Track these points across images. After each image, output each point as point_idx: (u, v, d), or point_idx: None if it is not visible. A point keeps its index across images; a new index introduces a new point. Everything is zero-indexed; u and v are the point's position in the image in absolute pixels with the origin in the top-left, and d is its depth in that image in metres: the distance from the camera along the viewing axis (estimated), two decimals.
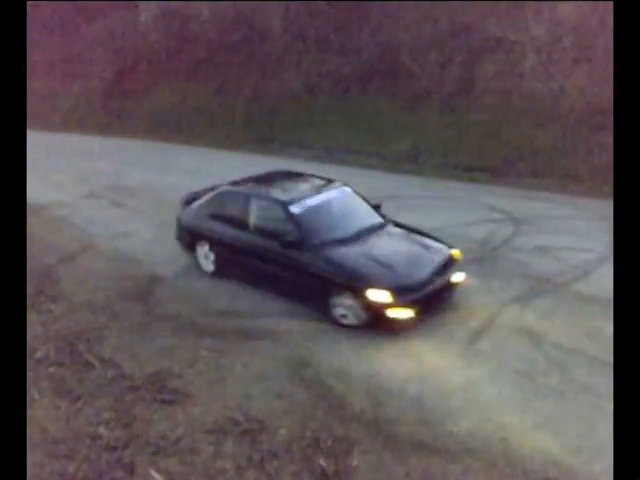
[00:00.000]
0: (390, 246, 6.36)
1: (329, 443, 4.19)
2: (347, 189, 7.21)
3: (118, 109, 22.88)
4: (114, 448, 4.23)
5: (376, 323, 5.64)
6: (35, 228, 9.59)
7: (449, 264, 6.23)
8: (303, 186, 7.29)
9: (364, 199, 7.16)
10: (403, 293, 5.60)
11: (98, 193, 11.86)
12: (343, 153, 15.09)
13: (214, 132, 17.74)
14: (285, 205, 6.45)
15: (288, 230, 6.23)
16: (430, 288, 5.81)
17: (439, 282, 5.95)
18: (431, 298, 5.85)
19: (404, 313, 5.59)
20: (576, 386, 4.78)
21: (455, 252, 6.43)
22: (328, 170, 13.37)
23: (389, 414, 4.48)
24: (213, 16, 21.40)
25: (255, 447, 4.23)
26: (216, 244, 7.06)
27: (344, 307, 5.75)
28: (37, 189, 12.62)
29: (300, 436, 4.29)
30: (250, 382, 4.97)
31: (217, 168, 13.72)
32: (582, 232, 8.35)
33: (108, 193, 11.82)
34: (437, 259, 6.17)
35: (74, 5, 27.01)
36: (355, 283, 5.69)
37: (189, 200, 7.86)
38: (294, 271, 6.15)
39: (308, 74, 18.52)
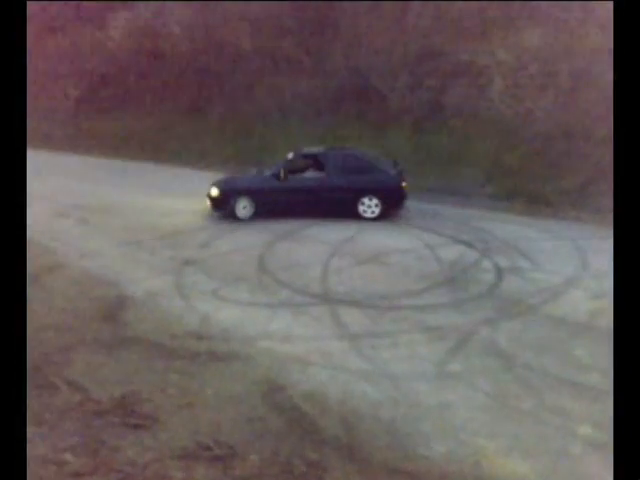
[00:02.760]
0: None
1: (302, 469, 4.11)
2: None
3: (86, 127, 22.62)
4: (81, 475, 4.08)
5: None
6: None
7: None
8: None
9: None
10: None
11: (64, 211, 11.64)
12: None
13: (186, 152, 17.64)
14: None
15: None
16: None
17: None
18: None
19: None
20: (548, 409, 4.82)
21: None
22: None
23: (362, 439, 4.43)
24: (184, 35, 21.42)
25: (226, 473, 4.13)
26: None
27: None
28: None
29: (272, 462, 4.20)
30: (220, 406, 4.87)
31: (189, 186, 13.66)
32: (550, 254, 8.54)
33: (74, 211, 11.62)
34: None
35: (38, 20, 26.75)
36: None
37: None
38: None
39: (281, 95, 18.63)
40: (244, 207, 10.97)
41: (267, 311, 6.77)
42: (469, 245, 9.05)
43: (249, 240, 9.56)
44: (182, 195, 12.89)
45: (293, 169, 11.28)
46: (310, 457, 4.24)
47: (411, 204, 12.11)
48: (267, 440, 4.45)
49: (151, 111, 21.25)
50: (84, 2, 25.44)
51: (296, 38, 19.17)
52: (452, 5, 16.44)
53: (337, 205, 11.03)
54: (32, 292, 7.36)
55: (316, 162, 11.43)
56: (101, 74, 23.75)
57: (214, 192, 11.01)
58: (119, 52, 22.93)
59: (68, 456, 4.29)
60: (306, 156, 11.60)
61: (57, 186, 14.60)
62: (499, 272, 7.84)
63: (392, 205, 11.04)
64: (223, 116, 19.25)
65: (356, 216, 10.92)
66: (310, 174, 11.38)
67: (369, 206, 10.92)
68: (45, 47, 26.79)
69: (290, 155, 11.56)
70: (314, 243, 9.37)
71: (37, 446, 4.42)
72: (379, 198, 10.88)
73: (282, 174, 10.90)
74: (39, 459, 4.27)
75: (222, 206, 10.99)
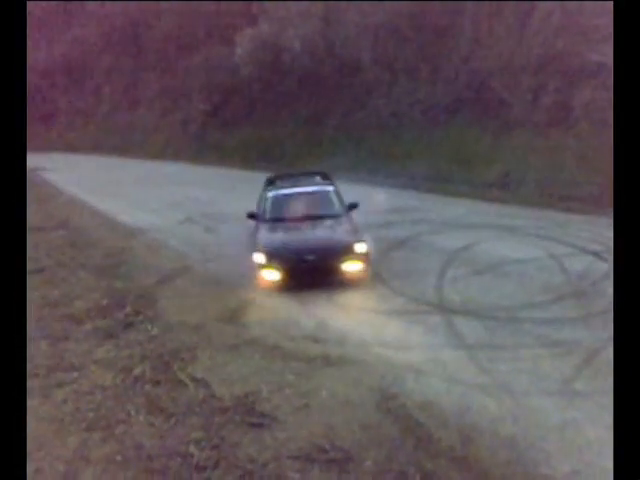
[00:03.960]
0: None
1: (417, 478, 4.07)
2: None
3: (213, 139, 23.93)
4: (204, 468, 4.31)
5: None
6: (135, 250, 10.17)
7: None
8: None
9: None
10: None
11: (194, 219, 12.41)
12: (430, 181, 14.96)
13: (303, 161, 18.12)
14: None
15: None
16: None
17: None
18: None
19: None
20: None
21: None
22: (415, 197, 13.35)
23: (480, 452, 4.30)
24: (305, 48, 22.03)
25: (342, 477, 4.17)
26: None
27: None
28: (137, 214, 13.40)
29: (387, 469, 4.19)
30: (335, 410, 4.94)
31: None
32: None
33: (202, 219, 12.34)
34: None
35: (172, 40, 28.75)
36: None
37: None
38: None
39: (397, 103, 18.60)
40: None
41: (382, 318, 6.78)
42: (598, 256, 8.48)
43: None
44: None
45: None
46: (425, 467, 4.18)
47: (532, 212, 11.58)
48: (382, 447, 4.44)
49: (271, 123, 22.07)
50: (213, 22, 27.04)
51: (414, 47, 19.07)
52: (581, 4, 15.55)
53: None
54: (163, 292, 7.92)
55: None
56: (227, 89, 25.04)
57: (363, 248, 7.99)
58: (244, 67, 24.03)
59: (192, 449, 4.55)
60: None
61: (186, 195, 15.58)
62: None
63: None
64: (338, 126, 19.56)
65: None
66: None
67: None
68: (177, 65, 28.76)
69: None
70: (429, 251, 9.24)
71: (166, 438, 4.74)
72: None
73: None
74: (167, 450, 4.57)
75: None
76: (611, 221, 10.24)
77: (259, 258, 7.86)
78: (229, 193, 15.27)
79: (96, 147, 31.24)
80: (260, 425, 4.78)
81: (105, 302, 7.65)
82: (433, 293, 7.48)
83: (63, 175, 23.00)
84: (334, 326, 6.58)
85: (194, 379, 5.58)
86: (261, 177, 17.27)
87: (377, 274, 8.27)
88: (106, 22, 34.97)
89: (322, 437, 4.59)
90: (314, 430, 4.69)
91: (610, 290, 7.19)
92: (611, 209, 10.54)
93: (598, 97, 14.60)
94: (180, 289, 8.05)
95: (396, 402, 4.99)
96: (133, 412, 5.12)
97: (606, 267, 7.97)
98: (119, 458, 4.48)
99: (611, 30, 12.86)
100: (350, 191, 14.43)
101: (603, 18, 15.00)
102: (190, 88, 27.04)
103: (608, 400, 4.87)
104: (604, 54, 14.74)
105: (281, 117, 22.08)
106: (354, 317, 6.86)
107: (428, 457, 4.28)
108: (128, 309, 7.34)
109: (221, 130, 24.14)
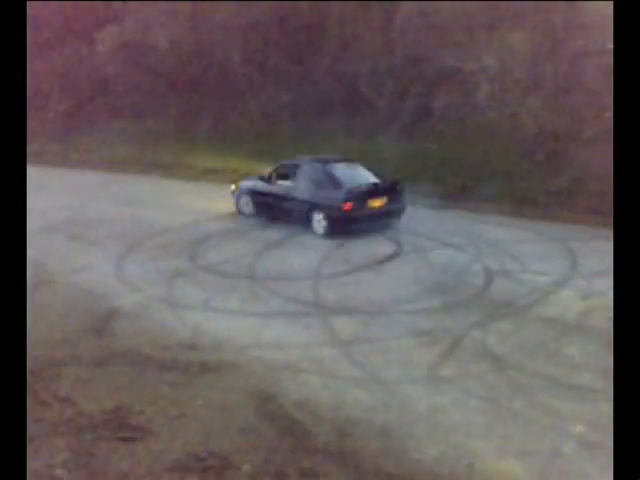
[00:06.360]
0: None
1: (294, 477, 4.11)
2: None
3: (75, 141, 22.58)
4: None
5: None
6: None
7: None
8: None
9: None
10: None
11: (55, 226, 11.60)
12: None
13: (175, 164, 17.66)
14: None
15: None
16: None
17: None
18: None
19: None
20: (539, 409, 4.83)
21: None
22: None
23: (355, 445, 4.43)
24: (172, 48, 21.45)
25: None
26: None
27: None
28: None
29: (265, 471, 4.19)
30: (212, 417, 4.85)
31: (181, 199, 13.65)
32: (540, 255, 8.60)
33: (65, 226, 11.58)
34: None
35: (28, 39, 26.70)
36: None
37: None
38: None
39: (268, 105, 18.70)
40: (246, 203, 11.98)
41: (259, 320, 6.76)
42: (459, 249, 9.09)
43: (239, 250, 9.54)
44: (166, 207, 12.87)
45: (281, 175, 11.36)
46: (303, 465, 4.23)
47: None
48: (260, 449, 4.44)
49: (139, 125, 21.25)
50: (72, 18, 25.47)
51: (283, 48, 19.27)
52: (438, 11, 16.58)
53: (294, 215, 10.77)
54: None
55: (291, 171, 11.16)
56: (88, 89, 23.75)
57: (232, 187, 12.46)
58: (107, 67, 22.92)
59: (60, 471, 4.27)
60: (284, 166, 11.50)
61: (46, 201, 14.55)
62: (489, 275, 7.87)
63: (337, 224, 10.15)
64: (210, 128, 19.28)
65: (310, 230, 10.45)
66: (280, 182, 11.23)
67: (318, 221, 10.28)
68: (34, 64, 26.75)
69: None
70: (304, 250, 9.38)
71: (29, 462, 4.39)
72: (324, 215, 10.21)
73: (272, 178, 11.38)
74: (31, 476, 4.24)
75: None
76: (470, 214, 10.92)
77: None
78: (93, 198, 14.49)
79: None
80: (132, 439, 4.57)
81: None
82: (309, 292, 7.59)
83: None
84: (210, 331, 6.46)
85: (59, 398, 5.22)
86: (128, 181, 16.54)
87: (253, 275, 8.23)
88: None
89: (199, 445, 4.49)
90: (190, 439, 4.57)
91: (472, 280, 7.73)
92: (470, 202, 11.24)
93: (455, 100, 15.66)
94: (41, 303, 7.48)
95: (274, 403, 5.00)
96: None
97: (466, 258, 8.56)
98: None
99: (466, 35, 13.82)
100: (220, 193, 14.29)
101: (458, 24, 16.14)
102: (47, 88, 25.31)
103: (471, 384, 5.24)
104: (459, 59, 15.85)
105: (149, 118, 21.32)
106: (231, 320, 6.77)
107: (305, 455, 4.33)
108: None
109: (84, 132, 22.84)
